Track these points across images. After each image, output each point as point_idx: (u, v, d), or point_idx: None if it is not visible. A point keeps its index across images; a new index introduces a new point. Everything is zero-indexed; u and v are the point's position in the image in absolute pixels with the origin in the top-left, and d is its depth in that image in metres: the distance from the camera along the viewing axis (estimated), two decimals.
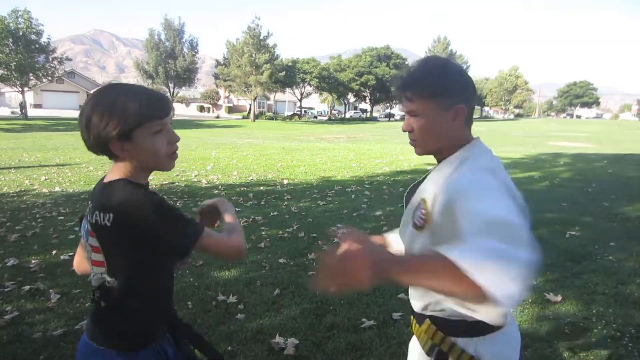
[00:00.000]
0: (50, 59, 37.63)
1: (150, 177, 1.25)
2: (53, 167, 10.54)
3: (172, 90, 49.32)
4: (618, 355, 2.53)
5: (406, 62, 62.22)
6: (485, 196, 0.93)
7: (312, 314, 3.02)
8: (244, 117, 55.39)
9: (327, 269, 0.81)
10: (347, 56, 66.39)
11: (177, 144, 1.17)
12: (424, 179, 1.22)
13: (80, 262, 1.32)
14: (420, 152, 1.18)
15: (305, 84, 57.43)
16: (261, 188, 7.74)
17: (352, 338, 2.70)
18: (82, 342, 1.21)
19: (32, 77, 36.77)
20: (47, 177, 8.85)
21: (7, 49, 33.92)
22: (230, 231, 1.20)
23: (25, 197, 6.94)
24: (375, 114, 70.91)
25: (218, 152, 14.23)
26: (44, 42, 36.73)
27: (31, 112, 40.62)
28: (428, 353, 1.16)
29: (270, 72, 44.76)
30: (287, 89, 57.72)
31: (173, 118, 1.21)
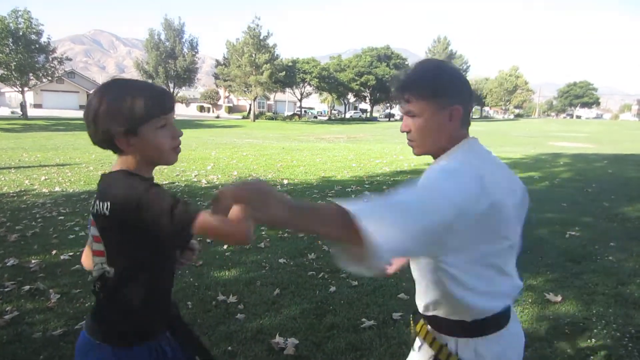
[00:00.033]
0: (50, 59, 37.67)
1: None
2: (53, 167, 10.53)
3: (172, 90, 49.31)
4: (618, 356, 2.53)
5: (406, 62, 62.26)
6: (415, 189, 0.99)
7: (312, 314, 3.02)
8: (244, 117, 55.40)
9: (227, 195, 0.88)
10: (347, 56, 66.42)
11: (180, 138, 1.20)
12: None
13: (87, 257, 1.34)
14: (418, 152, 1.19)
15: (305, 84, 57.44)
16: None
17: (352, 338, 2.70)
18: (81, 337, 1.23)
19: (32, 77, 36.81)
20: (47, 177, 8.85)
21: (7, 48, 33.96)
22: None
23: (25, 197, 6.94)
24: (375, 114, 70.93)
25: (218, 152, 14.23)
26: (44, 42, 36.76)
27: (31, 112, 40.62)
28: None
29: (270, 72, 44.77)
30: (287, 89, 57.74)
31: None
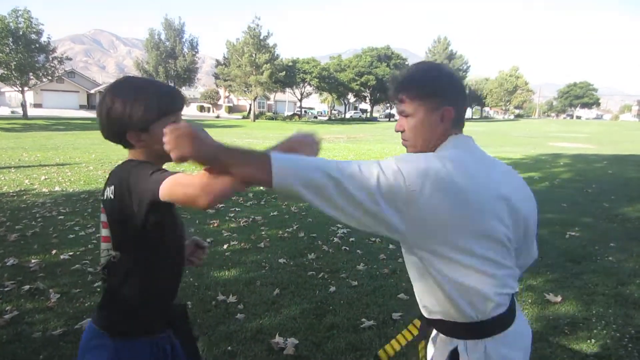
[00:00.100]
0: (50, 59, 37.68)
1: None
2: (53, 166, 10.53)
3: None
4: (618, 356, 2.53)
5: (406, 62, 62.27)
6: (375, 162, 1.03)
7: (312, 314, 3.02)
8: (244, 117, 55.40)
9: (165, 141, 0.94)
10: (347, 56, 66.41)
11: None
12: None
13: None
14: (411, 151, 1.20)
15: (305, 84, 57.42)
16: (261, 188, 7.72)
17: (352, 338, 2.70)
18: (88, 325, 1.27)
19: (32, 77, 36.81)
20: (47, 177, 8.85)
21: (7, 48, 33.97)
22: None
23: (25, 197, 6.94)
24: (375, 114, 70.94)
25: None
26: (44, 41, 36.77)
27: (31, 111, 40.63)
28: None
29: (270, 72, 44.77)
30: (287, 89, 57.74)
31: None
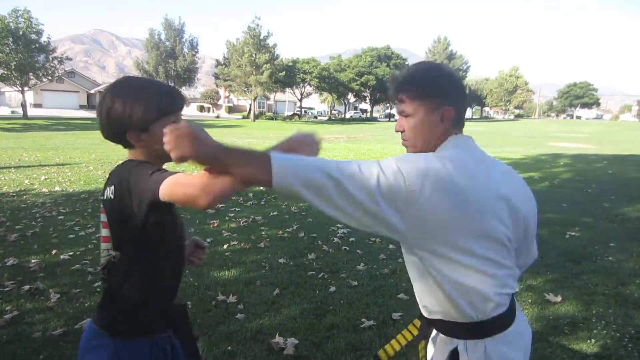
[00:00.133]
0: (50, 59, 37.68)
1: None
2: (53, 166, 10.53)
3: None
4: (618, 356, 2.53)
5: (406, 62, 62.25)
6: (376, 162, 1.03)
7: (312, 314, 3.02)
8: (244, 117, 55.40)
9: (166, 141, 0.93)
10: (347, 56, 66.41)
11: None
12: None
13: None
14: (411, 151, 1.20)
15: (305, 84, 57.42)
16: (261, 188, 7.72)
17: (351, 338, 2.70)
18: (88, 325, 1.27)
19: (32, 77, 36.81)
20: (47, 177, 8.85)
21: (7, 48, 33.97)
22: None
23: (25, 197, 6.94)
24: (375, 114, 70.93)
25: None
26: (44, 41, 36.77)
27: (31, 111, 40.63)
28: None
29: (270, 72, 44.78)
30: (287, 89, 57.73)
31: None
